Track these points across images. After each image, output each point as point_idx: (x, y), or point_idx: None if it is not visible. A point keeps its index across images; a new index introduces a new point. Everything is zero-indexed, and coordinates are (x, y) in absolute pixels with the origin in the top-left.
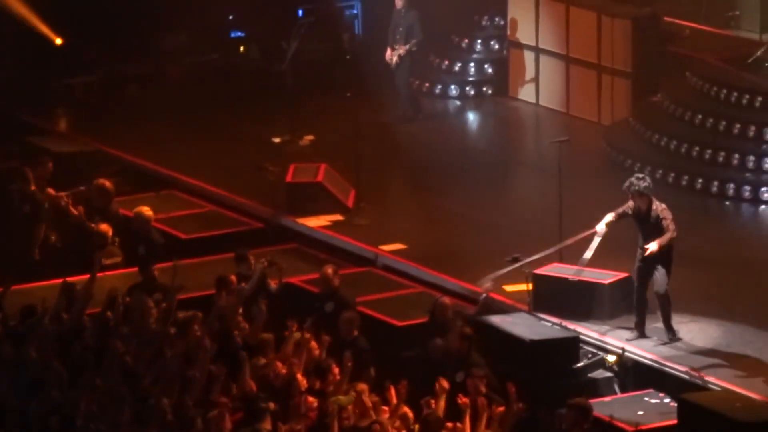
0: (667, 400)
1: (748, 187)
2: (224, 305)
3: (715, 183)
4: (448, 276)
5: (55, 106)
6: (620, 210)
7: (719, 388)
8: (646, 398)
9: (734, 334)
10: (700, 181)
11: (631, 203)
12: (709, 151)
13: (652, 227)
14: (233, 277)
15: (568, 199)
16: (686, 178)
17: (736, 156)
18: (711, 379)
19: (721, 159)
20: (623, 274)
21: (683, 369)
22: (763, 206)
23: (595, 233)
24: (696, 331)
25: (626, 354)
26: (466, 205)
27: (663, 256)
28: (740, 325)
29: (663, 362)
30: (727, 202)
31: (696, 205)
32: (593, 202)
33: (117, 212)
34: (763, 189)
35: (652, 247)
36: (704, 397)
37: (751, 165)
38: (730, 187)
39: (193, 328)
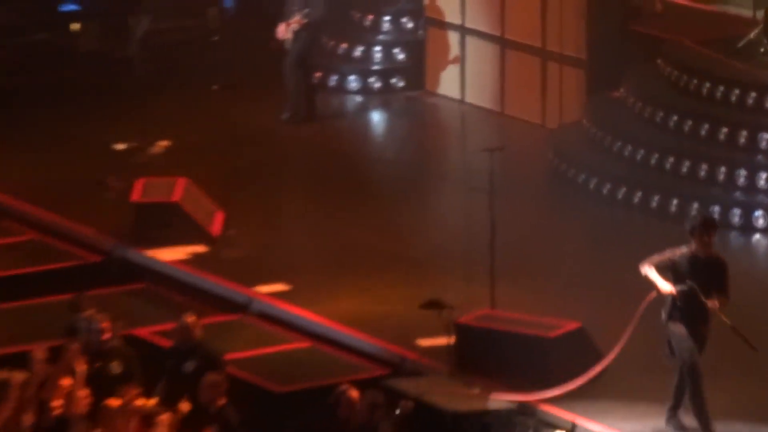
0: None
1: (737, 211)
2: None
3: (695, 204)
4: (347, 328)
5: None
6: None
7: None
8: None
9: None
10: (675, 202)
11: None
12: (687, 163)
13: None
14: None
15: (503, 224)
16: (657, 198)
17: (723, 170)
18: None
19: (702, 173)
20: (573, 324)
21: None
22: (757, 235)
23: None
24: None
25: (578, 429)
26: (371, 231)
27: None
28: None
29: None
30: None
31: (670, 233)
32: (534, 228)
33: None
34: (756, 213)
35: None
36: None
37: (741, 182)
38: (715, 210)
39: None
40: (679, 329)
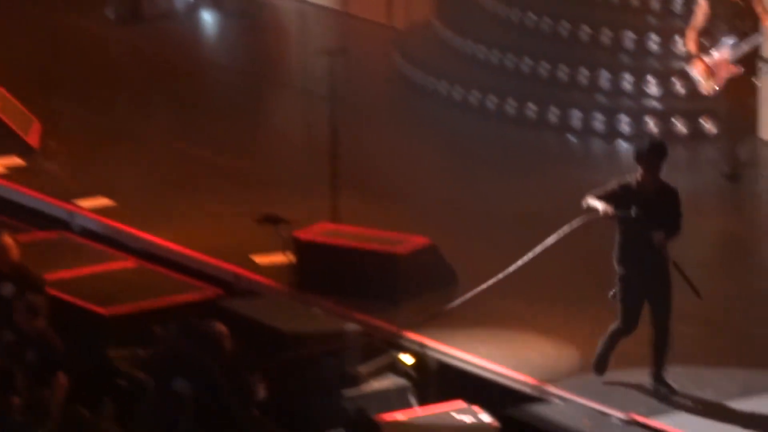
0: (485, 417)
1: (600, 117)
2: None
3: (555, 111)
4: (176, 246)
5: None
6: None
7: (560, 401)
8: (455, 415)
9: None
10: (532, 107)
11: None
12: (545, 65)
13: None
14: None
15: (346, 134)
16: (514, 103)
17: (585, 72)
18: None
19: (563, 76)
20: (422, 240)
21: (511, 376)
22: (621, 142)
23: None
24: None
25: (428, 352)
26: (203, 144)
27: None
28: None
29: (484, 366)
30: (573, 138)
31: (528, 141)
32: (380, 137)
33: None
34: (621, 118)
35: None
36: (540, 413)
37: (605, 85)
38: (576, 117)
39: None
40: (619, 270)
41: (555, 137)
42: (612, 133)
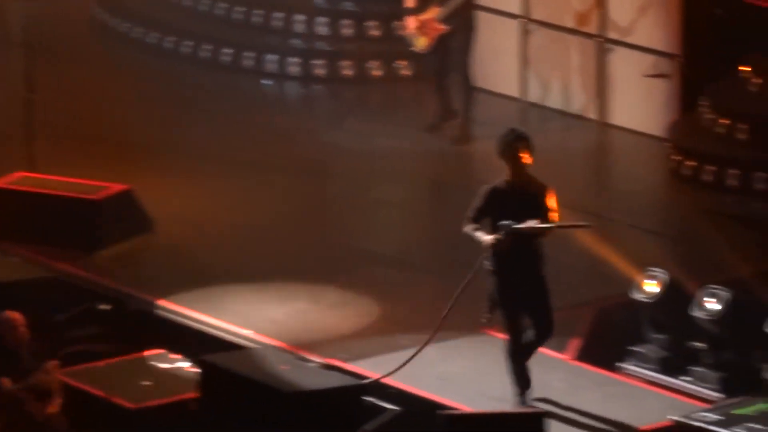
0: (183, 364)
1: (296, 59)
2: None
3: (250, 55)
4: None
5: None
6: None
7: (259, 345)
8: (154, 362)
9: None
10: (228, 51)
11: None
12: (240, 9)
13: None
14: None
15: (42, 81)
16: (209, 47)
17: (280, 15)
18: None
19: (257, 19)
20: (120, 187)
21: (213, 324)
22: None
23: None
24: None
25: (126, 300)
26: None
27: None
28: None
29: (184, 313)
30: (268, 82)
31: (222, 85)
32: (76, 83)
33: None
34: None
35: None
36: (239, 358)
37: (299, 28)
38: (272, 60)
39: None
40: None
41: (251, 81)
42: (308, 76)
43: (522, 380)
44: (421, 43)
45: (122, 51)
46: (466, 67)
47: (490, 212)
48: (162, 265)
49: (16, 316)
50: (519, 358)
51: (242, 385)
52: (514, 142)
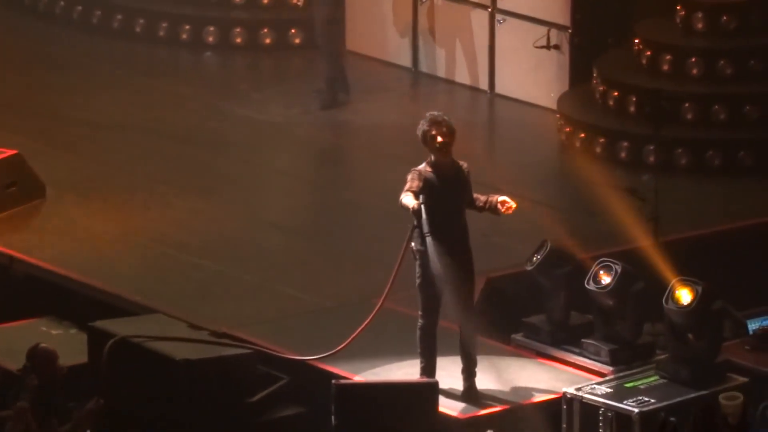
0: (71, 329)
1: (187, 27)
2: None
3: (141, 21)
4: None
5: None
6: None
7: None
8: (41, 327)
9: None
10: (118, 17)
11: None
12: None
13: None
14: None
15: None
16: (98, 13)
17: None
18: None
19: None
20: (9, 152)
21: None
22: (207, 53)
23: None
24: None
25: (15, 265)
26: None
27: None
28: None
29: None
30: (160, 48)
31: (113, 51)
32: None
33: None
34: (209, 30)
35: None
36: (130, 325)
37: None
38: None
39: None
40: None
41: (142, 48)
42: (199, 42)
43: (431, 356)
44: None
45: (11, 16)
46: (328, 36)
47: (422, 193)
48: (53, 231)
49: (53, 350)
50: (432, 337)
51: (132, 352)
52: (428, 130)
